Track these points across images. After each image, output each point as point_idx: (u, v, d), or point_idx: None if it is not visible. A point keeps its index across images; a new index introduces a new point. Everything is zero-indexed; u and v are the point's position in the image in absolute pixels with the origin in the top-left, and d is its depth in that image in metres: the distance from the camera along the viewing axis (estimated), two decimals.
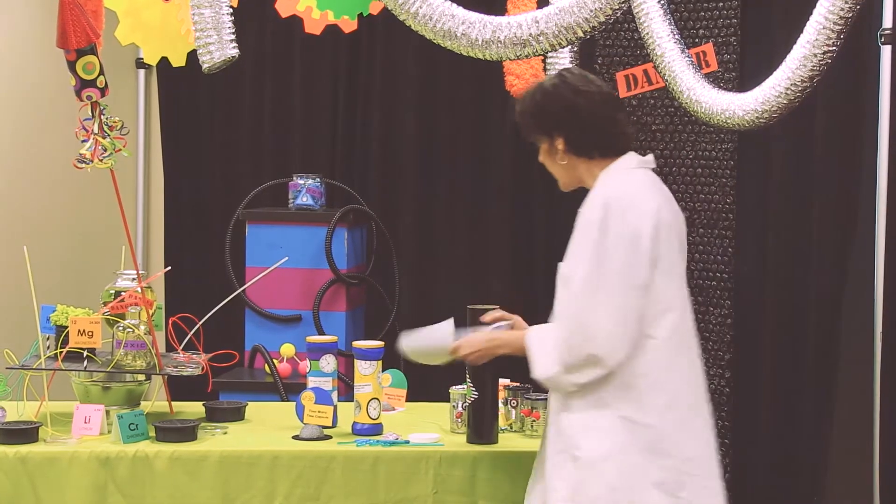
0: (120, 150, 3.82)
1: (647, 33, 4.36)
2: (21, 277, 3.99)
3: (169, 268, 4.85)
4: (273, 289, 5.46)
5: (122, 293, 3.97)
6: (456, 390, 3.89)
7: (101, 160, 3.78)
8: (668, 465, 3.18)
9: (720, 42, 5.07)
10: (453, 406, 3.86)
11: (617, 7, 4.20)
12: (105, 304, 4.03)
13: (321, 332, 5.36)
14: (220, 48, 4.47)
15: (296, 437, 3.76)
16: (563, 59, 5.10)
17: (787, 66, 4.05)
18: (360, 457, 3.64)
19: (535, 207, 5.78)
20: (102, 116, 3.78)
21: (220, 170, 6.18)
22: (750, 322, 5.21)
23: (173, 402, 4.08)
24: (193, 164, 6.23)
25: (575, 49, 5.08)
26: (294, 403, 3.93)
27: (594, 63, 5.38)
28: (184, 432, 3.72)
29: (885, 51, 4.75)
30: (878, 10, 4.75)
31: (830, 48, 3.95)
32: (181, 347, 4.07)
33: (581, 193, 3.34)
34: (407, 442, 3.70)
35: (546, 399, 3.55)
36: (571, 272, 3.23)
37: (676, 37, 4.34)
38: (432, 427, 3.88)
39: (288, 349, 5.36)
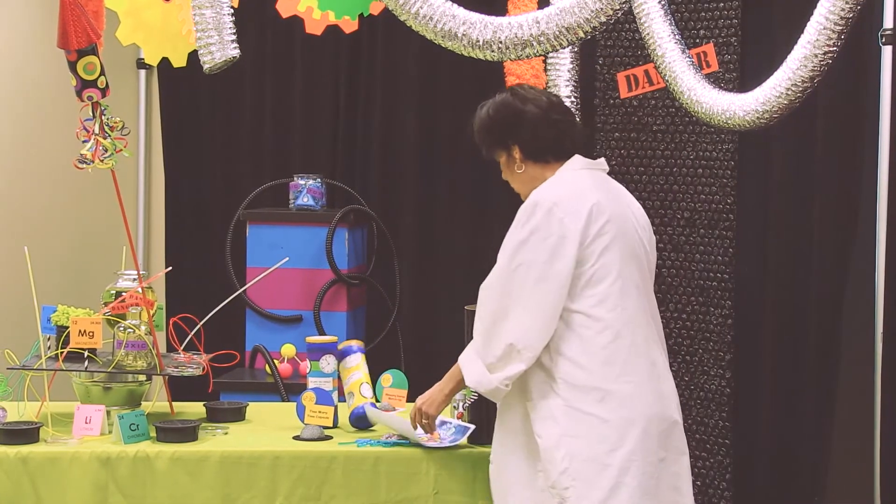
0: (121, 150, 3.82)
1: (648, 34, 4.36)
2: (22, 278, 3.99)
3: (170, 268, 4.85)
4: (274, 289, 5.46)
5: (123, 293, 3.97)
6: None
7: (101, 160, 3.78)
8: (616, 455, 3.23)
9: (721, 42, 5.07)
10: (454, 407, 3.86)
11: (618, 7, 4.20)
12: (106, 304, 4.04)
13: (322, 333, 5.36)
14: (221, 48, 4.47)
15: (296, 438, 3.76)
16: (564, 60, 5.11)
17: (788, 66, 4.05)
18: (361, 457, 3.64)
19: None
20: (103, 117, 3.78)
21: (221, 170, 6.18)
22: (750, 322, 5.21)
23: (174, 403, 4.09)
24: (194, 165, 6.23)
25: (576, 49, 5.08)
26: (295, 404, 3.94)
27: (595, 63, 5.38)
28: (184, 433, 3.72)
29: (886, 51, 4.75)
30: (879, 11, 4.75)
31: (831, 48, 3.95)
32: (182, 348, 4.07)
33: None
34: (407, 442, 3.71)
35: None
36: (493, 270, 3.33)
37: (677, 37, 4.34)
38: None
39: (289, 349, 5.36)
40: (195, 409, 4.09)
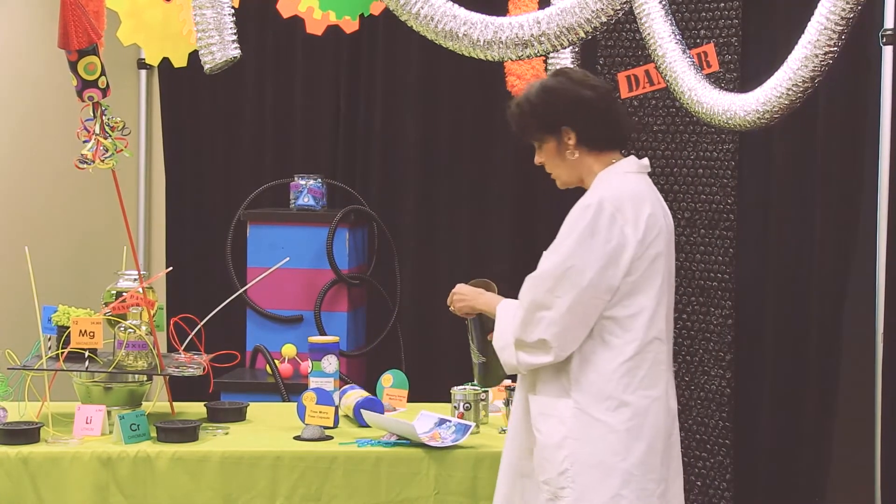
0: (121, 150, 3.82)
1: (649, 34, 4.36)
2: (22, 278, 3.99)
3: (170, 268, 4.85)
4: (274, 289, 5.46)
5: (124, 293, 3.98)
6: (457, 390, 3.89)
7: (102, 160, 3.78)
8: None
9: (721, 42, 5.07)
10: (455, 406, 3.86)
11: (618, 7, 4.20)
12: (106, 304, 4.04)
13: (322, 333, 5.36)
14: (221, 49, 4.48)
15: (297, 438, 3.76)
16: (565, 60, 5.10)
17: (789, 66, 4.05)
18: (362, 457, 3.64)
19: (537, 209, 5.78)
20: (104, 117, 3.78)
21: (222, 170, 6.18)
22: (751, 323, 5.21)
23: (175, 403, 4.09)
24: (195, 165, 6.23)
25: (576, 50, 5.08)
26: (295, 404, 3.94)
27: (596, 64, 5.37)
28: (185, 433, 3.72)
29: (887, 51, 4.74)
30: (880, 11, 4.75)
31: (832, 49, 3.95)
32: (182, 348, 4.07)
33: (579, 195, 3.34)
34: (408, 442, 3.71)
35: None
36: (547, 256, 3.26)
37: (678, 37, 4.34)
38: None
39: (289, 350, 5.36)
40: (196, 409, 4.09)
